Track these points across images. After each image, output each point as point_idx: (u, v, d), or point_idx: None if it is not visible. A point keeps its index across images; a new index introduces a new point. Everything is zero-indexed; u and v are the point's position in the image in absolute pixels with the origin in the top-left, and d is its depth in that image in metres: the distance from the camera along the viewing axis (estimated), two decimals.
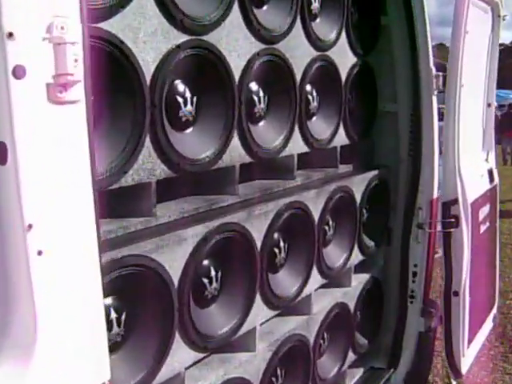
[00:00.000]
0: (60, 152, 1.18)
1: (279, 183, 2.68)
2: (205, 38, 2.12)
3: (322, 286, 3.00)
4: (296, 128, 2.72)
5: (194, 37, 2.07)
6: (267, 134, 2.57)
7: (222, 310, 2.29)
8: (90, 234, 1.26)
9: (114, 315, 1.83)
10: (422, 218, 3.39)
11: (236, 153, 2.35)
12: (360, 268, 3.37)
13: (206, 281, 2.20)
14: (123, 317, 1.86)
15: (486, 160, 4.03)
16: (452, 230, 3.33)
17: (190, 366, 2.19)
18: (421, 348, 3.49)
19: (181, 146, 2.08)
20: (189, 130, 2.17)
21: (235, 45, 2.28)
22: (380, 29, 3.34)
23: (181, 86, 2.10)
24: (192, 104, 2.14)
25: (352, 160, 3.31)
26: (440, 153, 3.37)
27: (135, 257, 1.83)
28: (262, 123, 2.56)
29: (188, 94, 2.12)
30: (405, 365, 3.54)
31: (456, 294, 3.39)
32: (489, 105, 3.95)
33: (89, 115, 1.27)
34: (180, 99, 2.10)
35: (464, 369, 3.58)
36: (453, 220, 3.32)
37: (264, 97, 2.53)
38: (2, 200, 1.10)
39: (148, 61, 1.91)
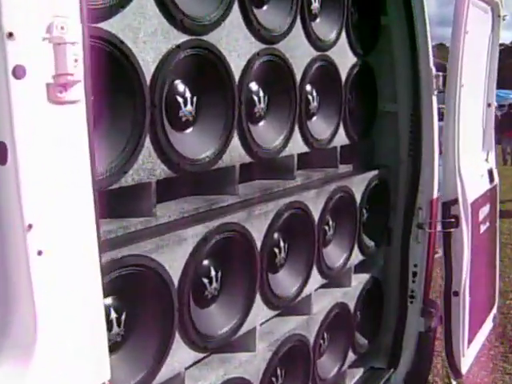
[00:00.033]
0: (60, 152, 1.18)
1: (279, 183, 2.68)
2: (205, 38, 2.12)
3: (322, 286, 3.00)
4: (296, 128, 2.72)
5: (193, 37, 2.07)
6: (267, 133, 2.57)
7: (222, 309, 2.29)
8: (90, 234, 1.26)
9: (114, 315, 1.83)
10: (422, 218, 3.39)
11: (236, 153, 2.35)
12: (360, 268, 3.36)
13: (206, 281, 2.20)
14: (123, 317, 1.86)
15: (486, 160, 4.03)
16: (452, 230, 3.33)
17: (190, 365, 2.19)
18: (421, 348, 3.49)
19: (181, 146, 2.08)
20: (189, 130, 2.17)
21: (235, 45, 2.28)
22: (380, 29, 3.34)
23: (181, 86, 2.10)
24: (192, 104, 2.14)
25: (352, 160, 3.30)
26: (440, 153, 3.37)
27: (135, 257, 1.83)
28: (262, 123, 2.56)
29: (188, 94, 2.12)
30: (405, 365, 3.54)
31: (456, 293, 3.39)
32: (489, 105, 3.95)
33: (89, 115, 1.27)
34: (180, 99, 2.10)
35: (464, 369, 3.58)
36: (453, 220, 3.32)
37: (264, 97, 2.53)
38: (1, 200, 1.10)
39: (148, 61, 1.91)
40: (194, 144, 2.17)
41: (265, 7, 2.50)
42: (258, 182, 2.65)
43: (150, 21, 1.90)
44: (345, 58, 3.05)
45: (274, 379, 2.61)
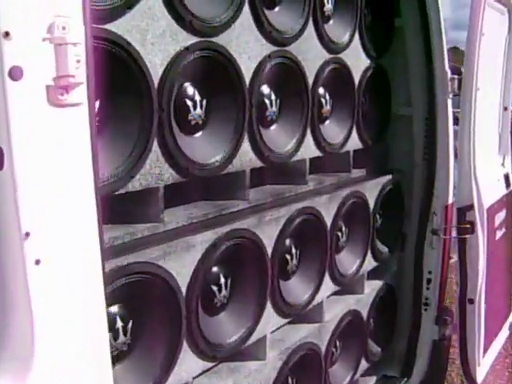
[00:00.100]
0: (60, 157, 1.13)
1: (291, 188, 2.63)
2: (214, 39, 2.07)
3: (335, 293, 2.95)
4: (308, 132, 2.66)
5: (203, 38, 2.02)
6: (279, 137, 2.52)
7: (231, 318, 2.24)
8: (92, 241, 1.21)
9: (120, 324, 1.79)
10: (437, 224, 3.34)
11: (247, 157, 2.31)
12: (373, 274, 3.31)
13: (215, 288, 2.15)
14: (129, 325, 1.82)
15: (502, 164, 3.96)
16: (467, 236, 3.27)
17: (199, 375, 2.14)
18: (435, 357, 3.42)
19: (190, 150, 2.04)
20: (198, 134, 2.13)
21: (246, 47, 2.23)
22: (394, 31, 3.28)
23: (190, 89, 2.06)
24: (201, 107, 2.10)
25: (365, 164, 3.25)
26: (455, 157, 3.31)
27: (141, 264, 1.78)
28: (273, 127, 2.52)
29: (197, 97, 2.08)
30: (418, 374, 3.47)
31: (471, 301, 3.32)
32: (505, 108, 3.88)
33: (92, 118, 1.22)
34: (189, 102, 2.06)
35: (479, 378, 3.51)
36: (468, 226, 3.26)
37: (276, 100, 2.48)
38: None
39: (156, 63, 1.87)
40: (204, 148, 2.12)
41: (276, 9, 2.45)
42: (269, 187, 2.60)
43: (158, 22, 1.86)
44: (358, 61, 3.00)
45: None
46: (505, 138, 3.96)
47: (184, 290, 1.95)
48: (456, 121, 3.36)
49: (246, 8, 2.21)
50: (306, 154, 2.67)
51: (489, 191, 3.44)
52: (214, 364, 2.20)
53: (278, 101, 2.49)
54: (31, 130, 1.07)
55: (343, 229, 2.96)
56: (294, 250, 2.58)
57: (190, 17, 1.94)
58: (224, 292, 2.19)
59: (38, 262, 1.07)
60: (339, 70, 2.83)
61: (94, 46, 1.54)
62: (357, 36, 2.94)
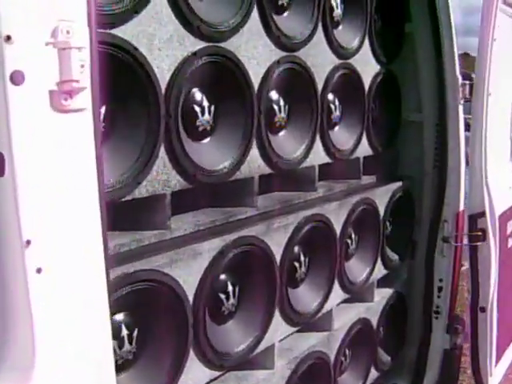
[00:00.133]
0: (63, 163, 1.11)
1: (300, 195, 2.60)
2: (222, 44, 2.05)
3: (344, 301, 2.92)
4: (317, 138, 2.64)
5: (211, 44, 2.00)
6: (288, 144, 2.49)
7: (239, 326, 2.21)
8: (96, 249, 1.19)
9: (125, 332, 1.77)
10: (448, 231, 3.30)
11: (255, 164, 2.28)
12: (383, 282, 3.28)
13: (222, 296, 2.12)
14: (135, 333, 1.80)
15: None
16: (479, 243, 3.23)
17: None
18: (446, 366, 3.37)
19: (197, 156, 2.01)
20: (206, 140, 2.11)
21: (254, 52, 2.21)
22: (404, 36, 3.25)
23: (198, 95, 2.04)
24: (209, 113, 2.08)
25: (375, 171, 3.22)
26: (466, 164, 3.28)
27: (148, 271, 1.76)
28: (282, 133, 2.49)
29: (205, 103, 2.06)
30: (429, 383, 3.42)
31: (483, 310, 3.28)
32: None
33: (96, 124, 1.20)
34: (197, 108, 2.04)
35: None
36: (480, 233, 3.22)
37: (284, 106, 2.46)
38: None
39: (163, 68, 1.85)
40: (212, 154, 2.10)
41: (285, 14, 2.43)
42: (277, 194, 2.58)
43: (165, 27, 1.84)
44: (368, 66, 2.97)
45: None
46: None
47: (191, 298, 1.93)
48: (467, 127, 3.32)
49: (255, 13, 2.19)
50: (315, 161, 2.64)
51: (501, 198, 3.39)
52: (221, 373, 2.17)
53: (287, 107, 2.47)
54: (33, 135, 1.05)
55: (353, 236, 2.93)
56: (302, 258, 2.55)
57: (197, 22, 1.93)
58: (232, 300, 2.16)
59: (39, 271, 1.04)
60: (349, 76, 2.81)
61: (99, 51, 1.53)
62: (367, 41, 2.92)
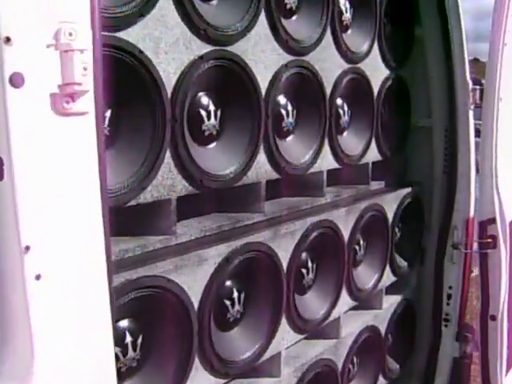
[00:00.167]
0: (65, 167, 1.09)
1: (307, 201, 2.57)
2: (229, 48, 2.03)
3: (352, 309, 2.89)
4: (326, 143, 2.61)
5: (217, 47, 1.98)
6: (295, 149, 2.47)
7: (245, 333, 2.18)
8: (98, 255, 1.16)
9: (129, 339, 1.74)
10: (458, 238, 3.26)
11: (262, 169, 2.25)
12: (392, 289, 3.24)
13: (228, 303, 2.10)
14: (139, 340, 1.77)
15: None
16: (489, 250, 3.18)
17: None
18: (455, 375, 3.33)
19: (203, 161, 1.99)
20: (212, 145, 2.08)
21: (262, 56, 2.18)
22: (414, 40, 3.22)
23: (204, 99, 2.02)
24: (216, 117, 2.05)
25: (384, 177, 3.19)
26: (476, 171, 3.24)
27: (152, 278, 1.73)
28: (290, 138, 2.47)
29: (212, 107, 2.04)
30: None
31: (493, 318, 3.23)
32: None
33: (99, 128, 1.18)
34: (203, 112, 2.01)
35: None
36: (490, 240, 3.17)
37: (292, 110, 2.43)
38: None
39: (169, 72, 1.83)
40: (218, 159, 2.08)
41: (294, 17, 2.41)
42: (285, 200, 2.55)
43: (171, 30, 1.82)
44: (377, 71, 2.95)
45: None
46: None
47: (196, 304, 1.90)
48: (477, 133, 3.29)
49: (263, 16, 2.17)
50: (323, 166, 2.61)
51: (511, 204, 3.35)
52: (226, 381, 2.14)
53: (295, 111, 2.44)
54: (33, 139, 1.02)
55: (361, 242, 2.90)
56: (310, 264, 2.52)
57: (204, 25, 1.90)
58: (237, 307, 2.13)
59: (38, 277, 1.02)
60: (358, 80, 2.78)
61: (104, 54, 1.51)
62: (376, 45, 2.89)
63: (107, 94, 1.63)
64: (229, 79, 2.05)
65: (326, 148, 2.62)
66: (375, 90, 2.93)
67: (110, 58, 1.58)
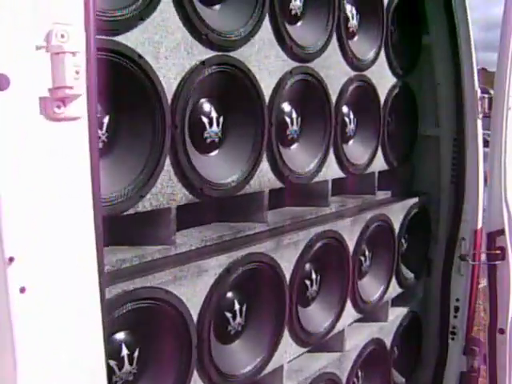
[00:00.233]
0: (54, 174, 1.04)
1: (312, 210, 2.52)
2: (232, 54, 1.98)
3: (357, 321, 2.83)
4: (331, 152, 2.56)
5: (220, 53, 1.93)
6: (300, 157, 2.42)
7: (246, 346, 2.12)
8: (89, 266, 1.11)
9: (125, 352, 1.69)
10: (465, 249, 3.20)
11: (265, 177, 2.21)
12: (398, 301, 3.19)
13: (228, 315, 2.04)
14: (136, 354, 1.72)
15: None
16: (498, 262, 3.13)
17: None
18: None
19: (204, 169, 1.94)
20: (214, 153, 2.04)
21: (266, 62, 2.14)
22: (421, 48, 3.18)
23: (206, 105, 1.97)
24: (218, 125, 2.01)
25: (390, 186, 3.14)
26: (485, 182, 3.19)
27: (150, 289, 1.68)
28: (294, 146, 2.42)
29: (214, 114, 1.99)
30: None
31: (502, 331, 3.16)
32: None
33: (92, 133, 1.13)
34: (205, 119, 1.97)
35: None
36: (498, 252, 3.12)
37: (297, 118, 2.38)
38: None
39: (170, 77, 1.78)
40: (220, 167, 2.03)
41: (299, 23, 2.37)
42: (288, 209, 2.49)
43: (172, 35, 1.77)
44: (384, 79, 2.90)
45: None
46: None
47: (195, 317, 1.85)
48: (485, 143, 3.24)
49: (267, 22, 2.12)
50: (328, 175, 2.56)
51: None
52: None
53: (300, 119, 2.40)
54: (20, 144, 0.98)
55: (366, 253, 2.84)
56: (313, 276, 2.47)
57: (206, 30, 1.86)
58: (238, 319, 2.08)
59: (22, 290, 0.97)
60: (364, 88, 2.73)
61: (102, 59, 1.47)
62: (382, 53, 2.85)
63: (104, 100, 1.59)
64: (231, 85, 2.00)
65: (331, 157, 2.57)
66: (382, 98, 2.89)
67: (108, 63, 1.54)
